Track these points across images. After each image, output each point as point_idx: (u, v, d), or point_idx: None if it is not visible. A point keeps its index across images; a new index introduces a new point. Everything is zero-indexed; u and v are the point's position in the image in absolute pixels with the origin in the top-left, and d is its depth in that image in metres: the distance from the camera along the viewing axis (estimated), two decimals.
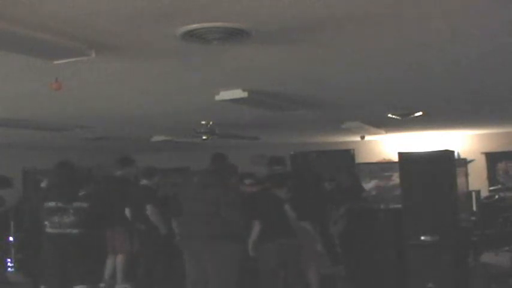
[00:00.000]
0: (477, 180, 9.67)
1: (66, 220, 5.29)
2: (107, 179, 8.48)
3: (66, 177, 5.54)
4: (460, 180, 7.49)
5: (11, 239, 8.68)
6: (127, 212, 7.38)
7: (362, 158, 11.49)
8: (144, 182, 7.37)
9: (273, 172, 6.90)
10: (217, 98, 5.24)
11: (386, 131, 9.35)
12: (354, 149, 11.49)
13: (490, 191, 9.86)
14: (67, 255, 5.31)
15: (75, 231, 5.29)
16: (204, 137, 7.35)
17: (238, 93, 5.12)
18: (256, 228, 5.96)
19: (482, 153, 10.60)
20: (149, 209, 7.01)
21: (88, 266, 5.48)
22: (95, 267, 5.61)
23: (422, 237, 6.66)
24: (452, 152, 7.51)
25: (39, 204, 5.76)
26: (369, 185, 10.93)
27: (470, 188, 8.85)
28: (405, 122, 7.84)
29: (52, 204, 5.35)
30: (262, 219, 5.97)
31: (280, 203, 6.13)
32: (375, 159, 11.39)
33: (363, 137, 9.84)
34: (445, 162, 6.95)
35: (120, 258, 7.57)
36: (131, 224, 7.45)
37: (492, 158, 10.58)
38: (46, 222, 5.33)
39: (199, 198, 5.51)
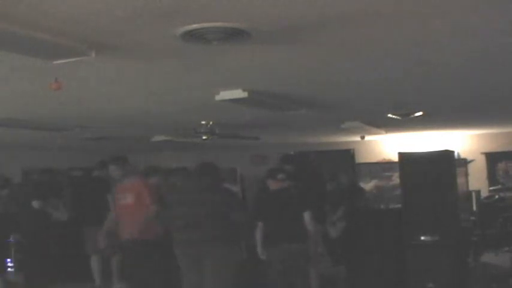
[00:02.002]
0: (477, 180, 9.67)
1: None
2: (80, 180, 8.57)
3: None
4: (460, 180, 7.49)
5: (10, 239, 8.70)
6: None
7: (362, 158, 11.50)
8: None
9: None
10: (217, 98, 5.23)
11: (387, 131, 9.35)
12: (354, 149, 11.50)
13: (490, 191, 9.88)
14: None
15: None
16: (204, 137, 7.34)
17: (238, 93, 5.11)
18: (258, 230, 5.72)
19: (482, 153, 10.61)
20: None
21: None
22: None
23: (422, 237, 6.67)
24: (452, 152, 7.52)
25: None
26: (369, 185, 10.94)
27: (470, 188, 8.87)
28: (405, 122, 7.83)
29: None
30: (266, 221, 5.69)
31: (299, 204, 5.70)
32: (375, 159, 11.40)
33: (363, 137, 9.85)
34: (445, 162, 6.96)
35: (115, 259, 7.57)
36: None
37: (492, 158, 10.59)
38: None
39: (190, 203, 5.27)
